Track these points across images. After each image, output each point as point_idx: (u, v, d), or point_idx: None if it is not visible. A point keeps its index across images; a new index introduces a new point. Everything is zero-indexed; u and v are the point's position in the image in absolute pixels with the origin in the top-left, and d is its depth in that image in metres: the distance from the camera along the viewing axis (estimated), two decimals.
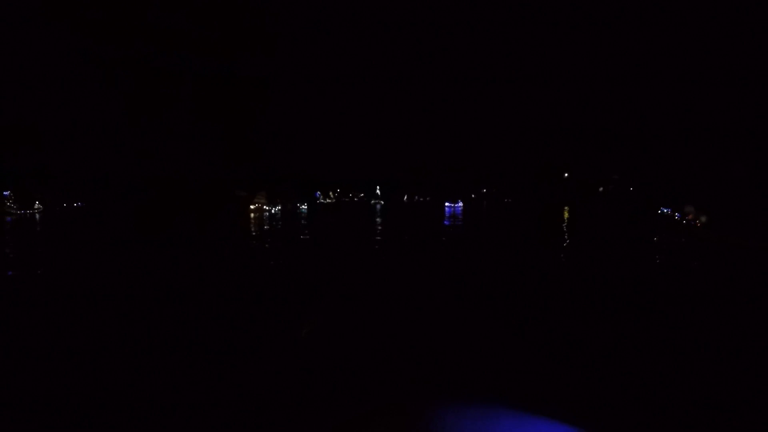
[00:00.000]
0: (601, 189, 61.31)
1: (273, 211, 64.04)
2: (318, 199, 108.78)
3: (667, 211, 34.39)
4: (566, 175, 78.58)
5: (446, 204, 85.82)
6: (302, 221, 37.76)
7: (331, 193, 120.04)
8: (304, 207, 70.35)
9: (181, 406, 3.97)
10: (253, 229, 27.74)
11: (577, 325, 6.56)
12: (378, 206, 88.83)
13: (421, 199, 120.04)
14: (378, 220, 36.90)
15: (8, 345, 5.80)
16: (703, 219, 28.11)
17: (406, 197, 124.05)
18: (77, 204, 74.08)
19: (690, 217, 30.46)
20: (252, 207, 72.44)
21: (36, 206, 62.01)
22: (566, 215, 42.53)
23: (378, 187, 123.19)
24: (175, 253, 15.17)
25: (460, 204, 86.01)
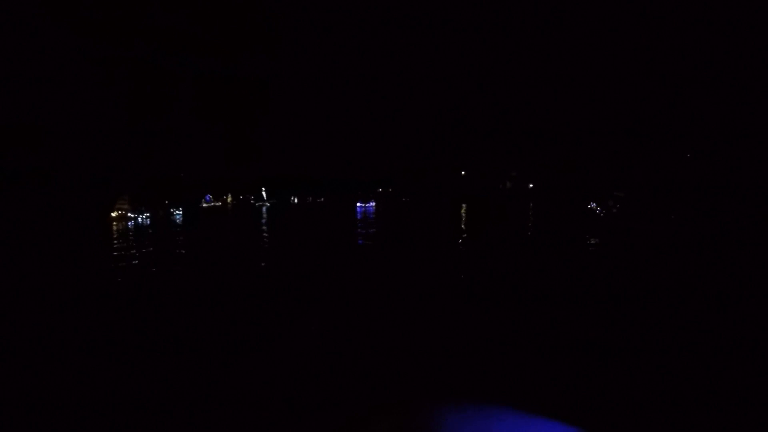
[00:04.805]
0: (501, 186, 62.26)
1: (140, 219, 52.94)
2: (208, 203, 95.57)
3: (594, 206, 35.56)
4: (463, 173, 79.61)
5: (357, 204, 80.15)
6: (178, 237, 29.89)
7: (224, 196, 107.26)
8: (179, 213, 59.95)
9: (180, 406, 3.78)
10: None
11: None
12: (264, 209, 79.97)
13: (318, 200, 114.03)
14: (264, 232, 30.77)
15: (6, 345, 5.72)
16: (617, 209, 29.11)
17: (295, 198, 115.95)
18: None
19: (607, 208, 31.61)
20: (113, 215, 60.05)
21: None
22: (467, 213, 40.88)
23: (263, 188, 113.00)
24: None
25: (372, 204, 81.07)
